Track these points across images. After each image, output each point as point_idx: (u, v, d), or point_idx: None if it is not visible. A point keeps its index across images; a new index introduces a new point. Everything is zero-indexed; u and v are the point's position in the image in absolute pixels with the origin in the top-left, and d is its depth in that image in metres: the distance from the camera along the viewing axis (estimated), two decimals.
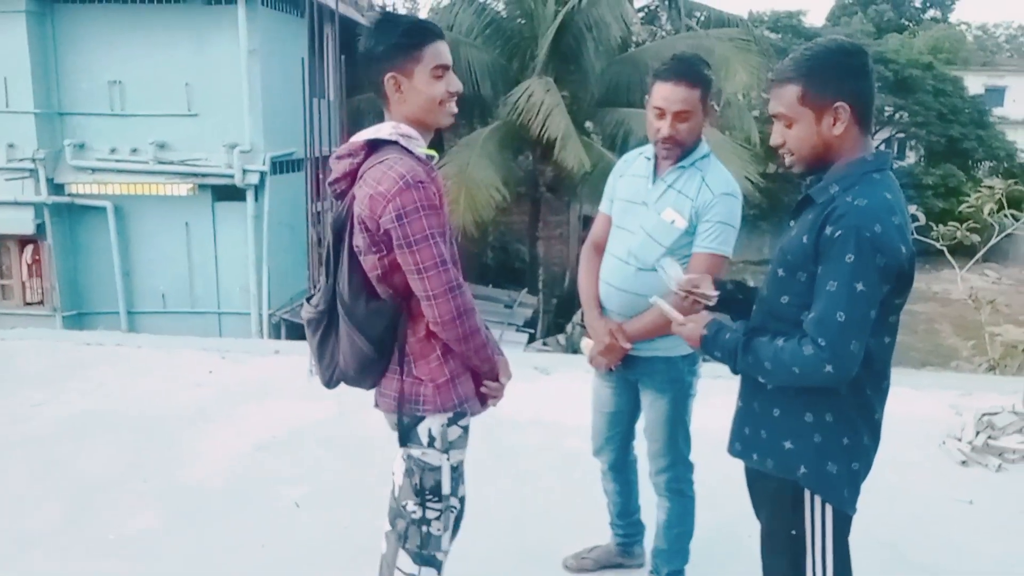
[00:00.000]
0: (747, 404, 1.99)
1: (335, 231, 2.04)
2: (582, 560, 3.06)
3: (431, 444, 2.08)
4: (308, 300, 2.18)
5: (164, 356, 5.77)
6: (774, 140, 1.90)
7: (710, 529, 3.07)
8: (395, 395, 2.07)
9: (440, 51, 1.98)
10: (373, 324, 2.00)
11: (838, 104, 1.78)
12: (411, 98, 1.98)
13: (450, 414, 2.08)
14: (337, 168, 2.04)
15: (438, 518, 2.12)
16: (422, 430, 2.07)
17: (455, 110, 2.05)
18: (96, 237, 12.55)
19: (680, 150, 2.53)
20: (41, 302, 12.86)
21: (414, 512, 2.11)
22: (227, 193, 12.40)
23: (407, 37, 1.96)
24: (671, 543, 2.77)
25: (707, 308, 2.06)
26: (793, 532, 1.89)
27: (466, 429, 2.14)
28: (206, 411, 4.68)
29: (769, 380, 1.87)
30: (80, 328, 11.08)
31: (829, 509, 1.85)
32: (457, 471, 2.15)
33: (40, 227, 12.36)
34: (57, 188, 12.38)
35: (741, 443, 2.00)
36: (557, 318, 15.26)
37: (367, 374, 2.08)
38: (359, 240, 1.97)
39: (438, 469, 2.09)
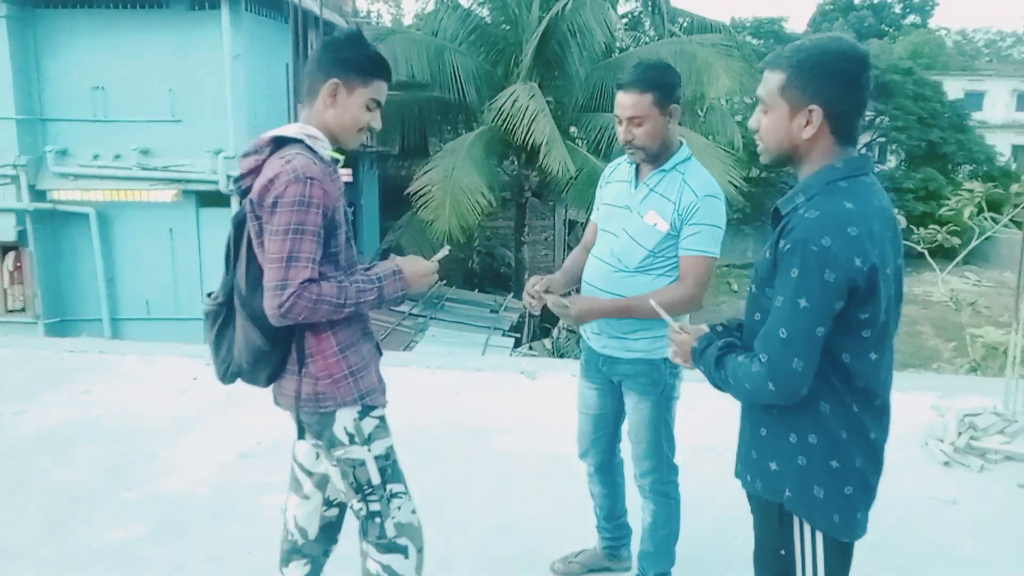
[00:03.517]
0: (744, 424, 1.95)
1: (235, 225, 2.10)
2: (569, 564, 3.06)
3: (352, 441, 2.13)
4: (209, 295, 2.22)
5: (148, 363, 5.74)
6: (751, 123, 1.86)
7: (696, 532, 3.09)
8: (294, 393, 2.12)
9: (383, 90, 2.14)
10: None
11: (812, 107, 1.71)
12: (339, 110, 2.09)
13: (358, 407, 2.13)
14: (243, 165, 2.09)
15: (385, 507, 2.17)
16: (338, 430, 2.12)
17: (363, 140, 2.20)
18: (79, 244, 12.46)
19: (643, 153, 2.57)
20: (23, 309, 12.75)
21: (361, 509, 2.18)
22: (211, 199, 12.34)
23: (369, 62, 2.10)
24: (657, 545, 2.78)
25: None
26: (782, 552, 1.83)
27: (382, 419, 2.19)
28: (190, 418, 4.66)
29: (734, 396, 1.84)
30: (63, 335, 11.00)
31: (819, 534, 1.78)
32: (387, 459, 2.19)
33: (22, 234, 12.26)
34: (39, 195, 12.29)
35: (741, 464, 1.95)
36: (543, 323, 15.26)
37: (260, 367, 2.13)
38: (252, 228, 2.04)
39: (363, 463, 2.15)
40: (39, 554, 3.21)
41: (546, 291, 2.60)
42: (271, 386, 2.22)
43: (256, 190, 1.98)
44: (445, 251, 2.35)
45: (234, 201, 12.13)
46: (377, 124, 2.15)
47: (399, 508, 2.20)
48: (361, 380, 2.13)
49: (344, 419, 2.11)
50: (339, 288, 2.01)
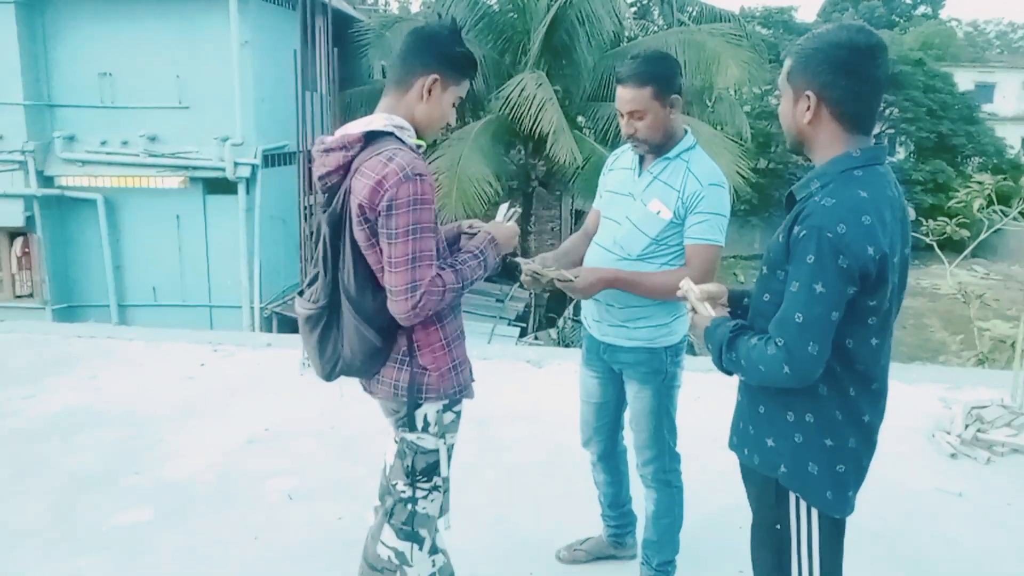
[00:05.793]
0: (742, 399, 2.00)
1: (331, 226, 2.04)
2: (575, 552, 3.08)
3: (426, 429, 2.13)
4: (300, 295, 2.19)
5: (155, 349, 5.76)
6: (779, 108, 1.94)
7: (701, 520, 3.09)
8: (397, 382, 2.11)
9: (467, 89, 2.17)
10: (382, 315, 2.02)
11: (808, 92, 1.77)
12: (432, 105, 2.09)
13: (447, 400, 2.14)
14: (328, 162, 2.02)
15: (426, 497, 2.18)
16: (418, 415, 2.12)
17: (438, 135, 2.17)
18: (86, 230, 12.50)
19: (646, 146, 2.56)
20: (31, 295, 12.80)
21: (403, 492, 2.17)
22: (218, 186, 12.35)
23: (468, 60, 2.13)
24: (660, 534, 2.78)
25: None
26: (777, 527, 1.88)
27: (459, 414, 2.20)
28: (197, 404, 4.67)
29: (746, 378, 1.87)
30: (70, 321, 11.06)
31: (815, 510, 1.83)
32: (449, 454, 2.20)
33: (30, 219, 12.29)
34: (47, 180, 12.31)
35: (737, 437, 2.01)
36: (548, 312, 15.27)
37: (374, 363, 2.12)
38: (359, 233, 1.98)
39: (434, 452, 2.15)
40: (46, 538, 3.23)
41: (544, 267, 2.53)
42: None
43: (364, 193, 1.93)
44: (516, 211, 2.39)
45: (241, 189, 12.17)
46: (453, 119, 2.17)
47: (436, 502, 2.19)
48: (461, 374, 2.16)
49: (429, 408, 2.12)
50: (456, 272, 2.05)
